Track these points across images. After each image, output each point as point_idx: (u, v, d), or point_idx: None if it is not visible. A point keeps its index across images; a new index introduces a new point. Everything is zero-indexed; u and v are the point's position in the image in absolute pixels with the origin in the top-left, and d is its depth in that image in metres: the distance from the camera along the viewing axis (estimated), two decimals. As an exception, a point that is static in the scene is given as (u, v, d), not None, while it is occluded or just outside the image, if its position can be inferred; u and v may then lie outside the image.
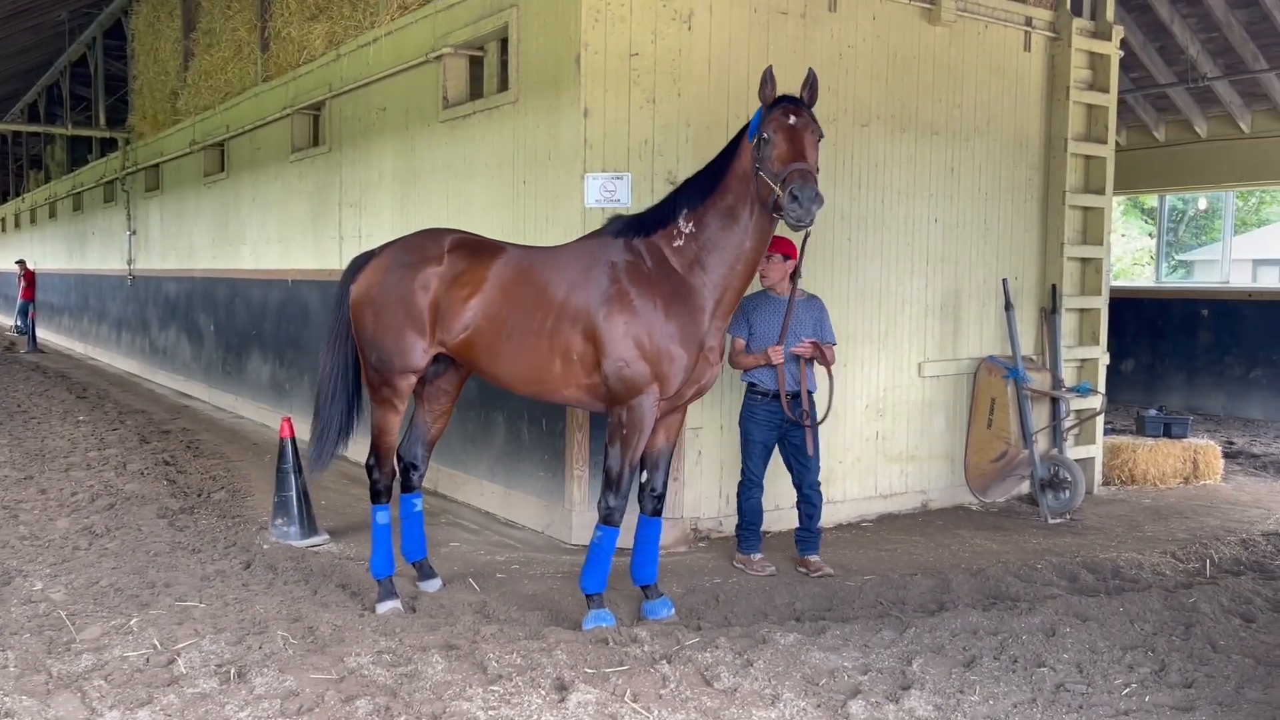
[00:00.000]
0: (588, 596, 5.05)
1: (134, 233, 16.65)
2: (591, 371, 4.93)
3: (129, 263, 16.81)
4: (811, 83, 4.72)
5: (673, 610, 5.23)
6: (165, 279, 15.27)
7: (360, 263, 5.50)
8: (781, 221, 4.66)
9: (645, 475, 5.20)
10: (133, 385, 15.19)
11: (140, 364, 16.44)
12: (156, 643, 4.44)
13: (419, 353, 5.19)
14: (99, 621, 4.72)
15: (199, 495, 7.72)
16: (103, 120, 17.95)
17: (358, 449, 9.29)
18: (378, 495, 5.45)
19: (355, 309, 5.35)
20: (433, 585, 5.66)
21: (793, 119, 4.59)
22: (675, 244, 4.89)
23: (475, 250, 5.25)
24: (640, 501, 5.24)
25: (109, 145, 18.44)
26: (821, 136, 4.71)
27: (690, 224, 4.87)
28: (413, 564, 5.72)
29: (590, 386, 4.98)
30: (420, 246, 5.31)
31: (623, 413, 4.90)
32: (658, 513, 5.24)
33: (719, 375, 5.25)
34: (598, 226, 6.42)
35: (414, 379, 5.29)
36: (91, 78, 18.58)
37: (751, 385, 6.11)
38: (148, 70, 15.80)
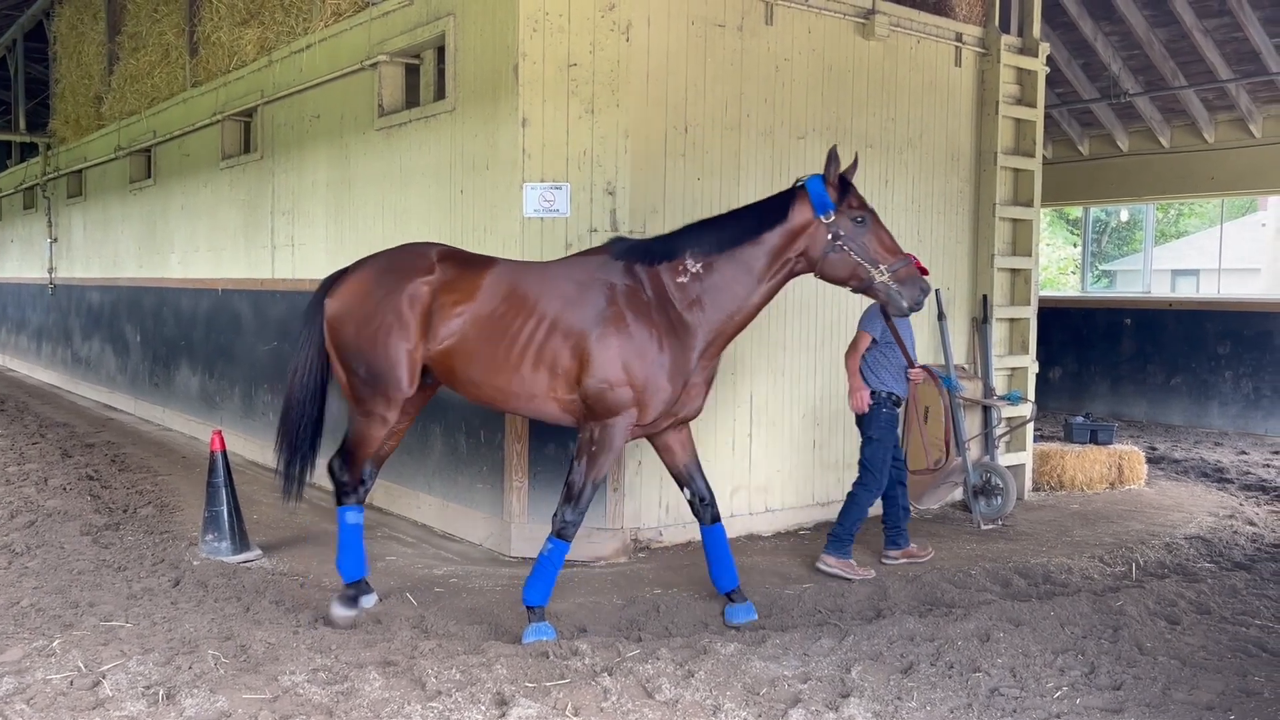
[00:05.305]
0: (529, 609, 5.02)
1: (55, 240, 16.16)
2: (573, 388, 4.96)
3: (50, 271, 16.31)
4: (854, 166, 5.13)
5: (754, 614, 5.35)
6: (89, 288, 14.85)
7: (335, 278, 5.40)
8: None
9: (687, 491, 5.35)
10: (54, 397, 14.73)
11: (62, 375, 15.96)
12: (81, 664, 4.30)
13: (414, 365, 5.09)
14: (20, 643, 4.56)
15: (125, 511, 7.50)
16: (23, 125, 17.41)
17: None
18: (345, 495, 5.34)
19: (335, 323, 5.22)
20: (369, 601, 5.57)
21: (869, 208, 5.02)
22: (679, 279, 4.99)
23: (466, 261, 5.24)
24: (697, 515, 5.37)
25: (29, 150, 17.88)
26: None
27: (699, 264, 4.98)
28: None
29: (569, 403, 5.01)
30: (408, 258, 5.24)
31: (596, 429, 4.94)
32: (716, 519, 5.35)
33: (702, 407, 5.34)
34: (536, 236, 6.43)
35: (409, 392, 5.16)
36: (11, 81, 18.03)
37: (889, 393, 6.42)
38: (70, 74, 15.36)
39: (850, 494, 6.45)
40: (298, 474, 5.48)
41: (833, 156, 5.00)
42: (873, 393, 6.43)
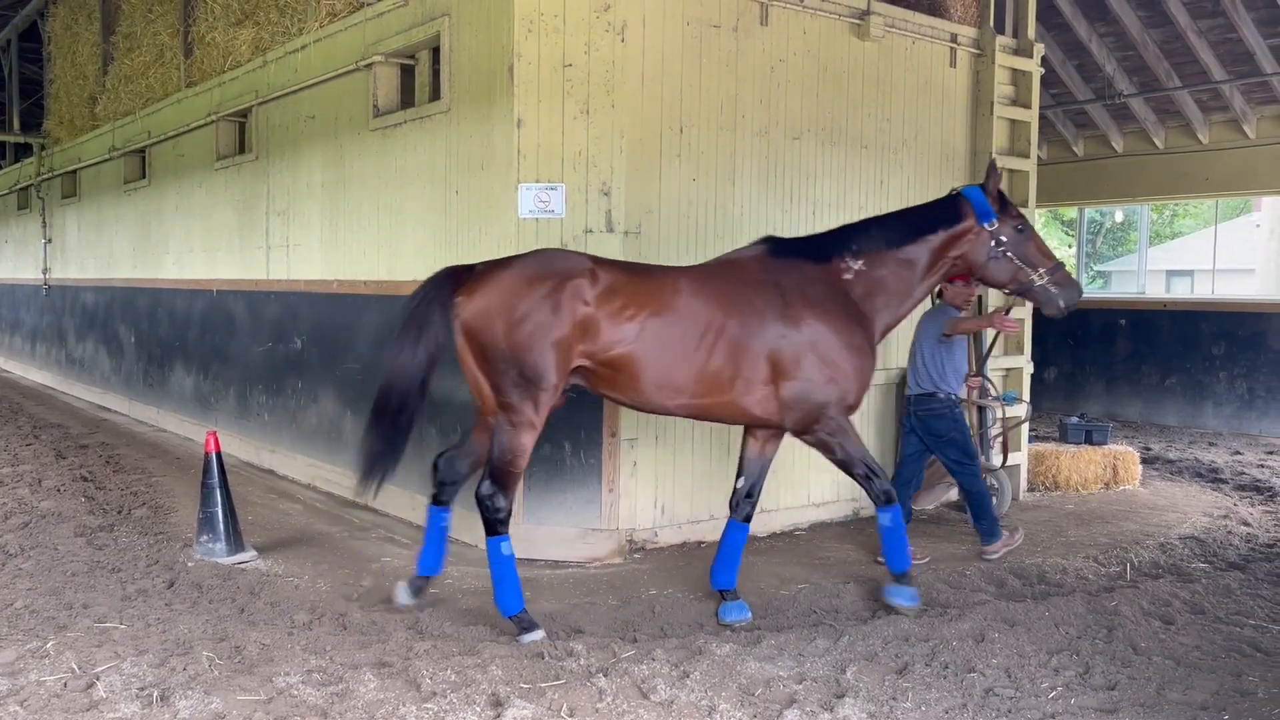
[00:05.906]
0: (900, 575, 5.43)
1: (50, 241, 16.14)
2: (761, 386, 5.10)
3: (44, 272, 16.29)
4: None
5: (747, 612, 5.37)
6: (83, 288, 14.83)
7: (459, 273, 5.10)
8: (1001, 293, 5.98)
9: (741, 480, 5.45)
10: (48, 398, 14.70)
11: (56, 376, 15.93)
12: (75, 666, 4.29)
13: (566, 368, 4.95)
14: (13, 645, 4.55)
15: (119, 512, 7.49)
16: (17, 125, 17.40)
17: (287, 463, 9.09)
18: (500, 524, 5.04)
19: (480, 322, 4.93)
20: (402, 597, 5.51)
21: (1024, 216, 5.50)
22: (845, 276, 5.25)
23: (628, 268, 5.19)
24: (734, 506, 5.49)
25: (23, 151, 17.85)
26: None
27: (861, 261, 5.30)
28: (423, 577, 5.55)
29: (759, 401, 5.14)
30: (565, 260, 5.08)
31: (822, 435, 5.22)
32: (749, 519, 5.51)
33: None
34: (532, 237, 6.43)
35: (556, 394, 4.99)
36: (6, 81, 18.02)
37: (948, 393, 6.68)
38: (65, 74, 15.34)
39: (964, 494, 6.82)
40: (386, 467, 5.25)
41: (993, 169, 5.40)
42: (935, 395, 6.66)
